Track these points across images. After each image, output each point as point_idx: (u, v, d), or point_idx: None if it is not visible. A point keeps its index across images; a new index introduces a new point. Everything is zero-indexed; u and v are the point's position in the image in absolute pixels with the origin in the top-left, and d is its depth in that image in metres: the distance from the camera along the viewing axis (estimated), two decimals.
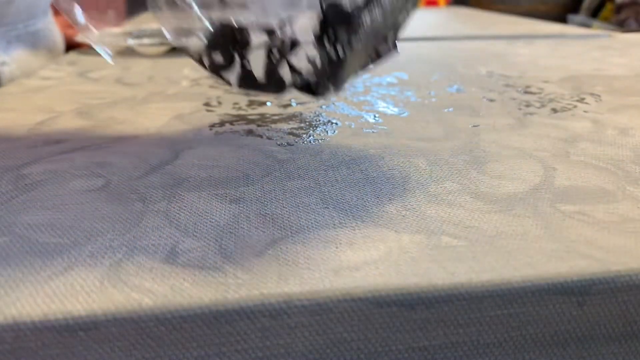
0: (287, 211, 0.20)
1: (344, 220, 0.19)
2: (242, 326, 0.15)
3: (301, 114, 0.33)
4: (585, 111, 0.34)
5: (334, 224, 0.19)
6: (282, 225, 0.19)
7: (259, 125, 0.31)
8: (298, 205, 0.20)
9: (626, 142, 0.28)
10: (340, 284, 0.16)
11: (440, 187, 0.22)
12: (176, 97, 0.38)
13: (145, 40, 0.60)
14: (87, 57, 0.54)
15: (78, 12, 0.23)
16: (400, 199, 0.21)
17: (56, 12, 0.65)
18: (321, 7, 0.18)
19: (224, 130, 0.30)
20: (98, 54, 0.56)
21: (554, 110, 0.34)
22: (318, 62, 0.19)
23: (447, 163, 0.25)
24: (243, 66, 0.20)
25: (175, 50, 0.57)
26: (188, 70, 0.47)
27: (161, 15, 0.21)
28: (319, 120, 0.32)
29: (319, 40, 0.19)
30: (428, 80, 0.43)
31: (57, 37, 0.63)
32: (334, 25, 0.18)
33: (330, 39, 0.18)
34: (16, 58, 0.54)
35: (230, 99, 0.37)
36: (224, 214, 0.20)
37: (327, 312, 0.15)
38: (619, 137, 0.29)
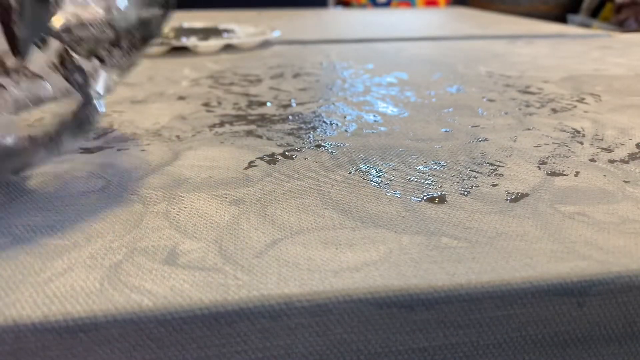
0: (287, 212, 0.20)
1: (344, 221, 0.19)
2: (242, 327, 0.15)
3: (301, 114, 0.33)
4: (585, 111, 0.34)
5: (334, 225, 0.19)
6: (282, 226, 0.19)
7: (258, 126, 0.31)
8: (298, 206, 0.20)
9: (626, 142, 0.28)
10: (340, 285, 0.16)
11: (440, 187, 0.22)
12: (176, 98, 0.38)
13: None
14: None
15: None
16: (400, 199, 0.21)
17: None
18: None
19: (223, 130, 0.30)
20: None
21: (554, 111, 0.34)
22: None
23: (446, 164, 0.25)
24: None
25: (175, 51, 0.57)
26: (188, 70, 0.47)
27: None
28: (319, 121, 0.32)
29: None
30: (428, 80, 0.43)
31: None
32: None
33: None
34: None
35: (230, 100, 0.37)
36: (224, 215, 0.20)
37: (327, 313, 0.15)
38: (619, 137, 0.29)
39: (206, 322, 0.15)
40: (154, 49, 0.55)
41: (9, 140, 0.17)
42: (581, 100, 0.37)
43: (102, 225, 0.19)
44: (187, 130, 0.30)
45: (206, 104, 0.36)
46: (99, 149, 0.27)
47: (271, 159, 0.26)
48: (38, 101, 0.18)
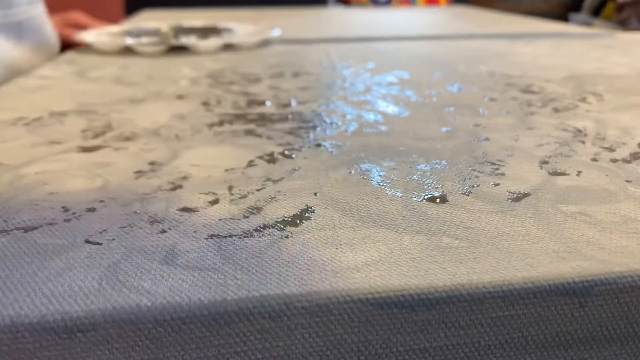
0: (286, 212, 0.20)
1: (344, 220, 0.19)
2: (242, 328, 0.15)
3: (301, 113, 0.33)
4: (587, 110, 0.34)
5: (334, 225, 0.19)
6: (281, 226, 0.19)
7: (258, 125, 0.31)
8: (298, 206, 0.20)
9: (628, 141, 0.28)
10: (341, 285, 0.15)
11: (441, 187, 0.22)
12: (175, 97, 0.38)
13: (144, 40, 0.60)
14: (85, 57, 0.54)
15: None
16: (400, 199, 0.21)
17: (51, 10, 0.64)
18: None
19: (223, 130, 0.30)
20: (96, 54, 0.55)
21: (556, 110, 0.34)
22: None
23: (448, 163, 0.25)
24: None
25: (174, 50, 0.57)
26: (187, 69, 0.47)
27: None
28: (319, 120, 0.32)
29: None
30: (429, 79, 0.43)
31: (49, 33, 0.60)
32: None
33: None
34: None
35: (230, 99, 0.37)
36: (224, 215, 0.20)
37: (327, 313, 0.15)
38: (621, 136, 0.29)
39: (205, 322, 0.15)
40: (153, 48, 0.55)
41: None
42: (583, 100, 0.36)
43: (100, 225, 0.19)
44: (186, 130, 0.30)
45: (205, 103, 0.36)
46: (98, 148, 0.27)
47: (271, 158, 0.25)
48: None
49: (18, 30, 0.53)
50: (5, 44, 0.51)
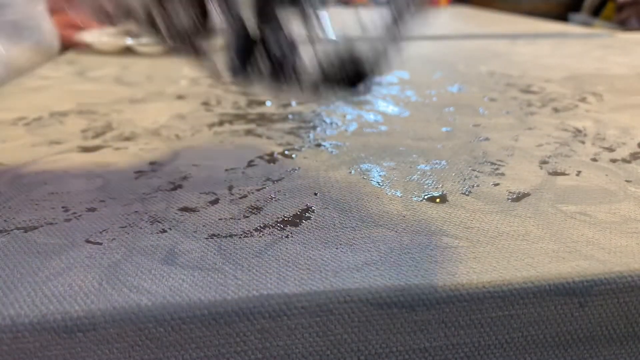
0: (287, 211, 0.20)
1: (344, 220, 0.19)
2: (242, 327, 0.15)
3: (301, 113, 0.33)
4: (586, 110, 0.34)
5: (334, 225, 0.19)
6: (281, 226, 0.19)
7: (258, 125, 0.31)
8: (298, 206, 0.20)
9: (628, 141, 0.28)
10: (341, 285, 0.15)
11: (441, 187, 0.22)
12: (175, 97, 0.38)
13: (144, 40, 0.60)
14: (85, 57, 0.54)
15: None
16: (400, 199, 0.21)
17: (53, 10, 0.63)
18: None
19: (223, 130, 0.30)
20: (96, 54, 0.55)
21: (556, 110, 0.34)
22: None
23: (448, 163, 0.25)
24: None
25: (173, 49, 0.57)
26: (187, 69, 0.47)
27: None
28: (319, 120, 0.32)
29: None
30: (429, 79, 0.43)
31: (48, 32, 0.60)
32: None
33: None
34: None
35: (230, 99, 0.37)
36: (224, 215, 0.20)
37: (327, 313, 0.15)
38: (620, 136, 0.29)
39: (205, 322, 0.15)
40: (153, 48, 0.55)
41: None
42: (583, 100, 0.36)
43: (100, 225, 0.19)
44: (186, 130, 0.30)
45: (205, 103, 0.36)
46: (98, 147, 0.27)
47: (271, 158, 0.25)
48: None
49: (16, 29, 0.53)
50: (4, 43, 0.51)
